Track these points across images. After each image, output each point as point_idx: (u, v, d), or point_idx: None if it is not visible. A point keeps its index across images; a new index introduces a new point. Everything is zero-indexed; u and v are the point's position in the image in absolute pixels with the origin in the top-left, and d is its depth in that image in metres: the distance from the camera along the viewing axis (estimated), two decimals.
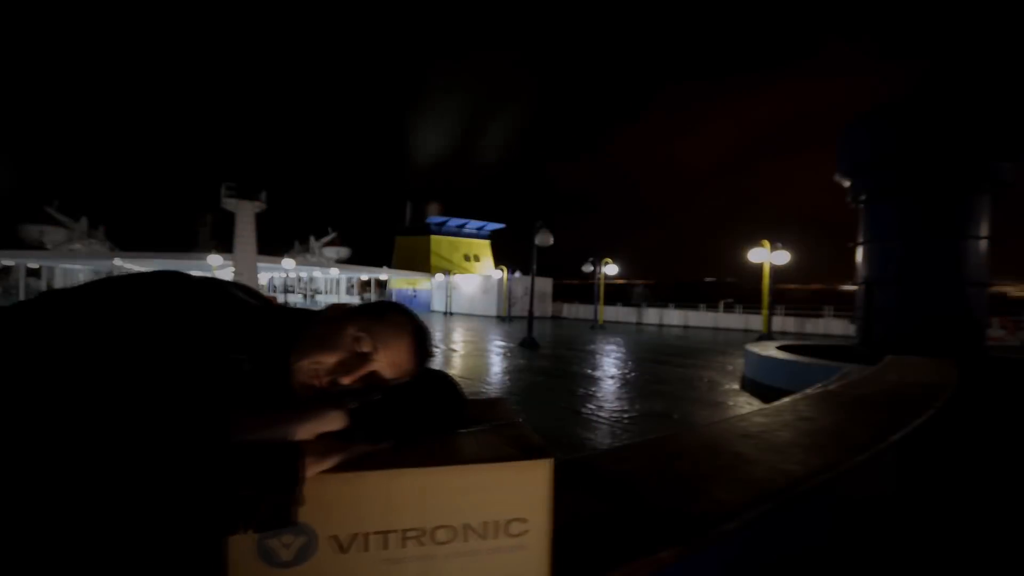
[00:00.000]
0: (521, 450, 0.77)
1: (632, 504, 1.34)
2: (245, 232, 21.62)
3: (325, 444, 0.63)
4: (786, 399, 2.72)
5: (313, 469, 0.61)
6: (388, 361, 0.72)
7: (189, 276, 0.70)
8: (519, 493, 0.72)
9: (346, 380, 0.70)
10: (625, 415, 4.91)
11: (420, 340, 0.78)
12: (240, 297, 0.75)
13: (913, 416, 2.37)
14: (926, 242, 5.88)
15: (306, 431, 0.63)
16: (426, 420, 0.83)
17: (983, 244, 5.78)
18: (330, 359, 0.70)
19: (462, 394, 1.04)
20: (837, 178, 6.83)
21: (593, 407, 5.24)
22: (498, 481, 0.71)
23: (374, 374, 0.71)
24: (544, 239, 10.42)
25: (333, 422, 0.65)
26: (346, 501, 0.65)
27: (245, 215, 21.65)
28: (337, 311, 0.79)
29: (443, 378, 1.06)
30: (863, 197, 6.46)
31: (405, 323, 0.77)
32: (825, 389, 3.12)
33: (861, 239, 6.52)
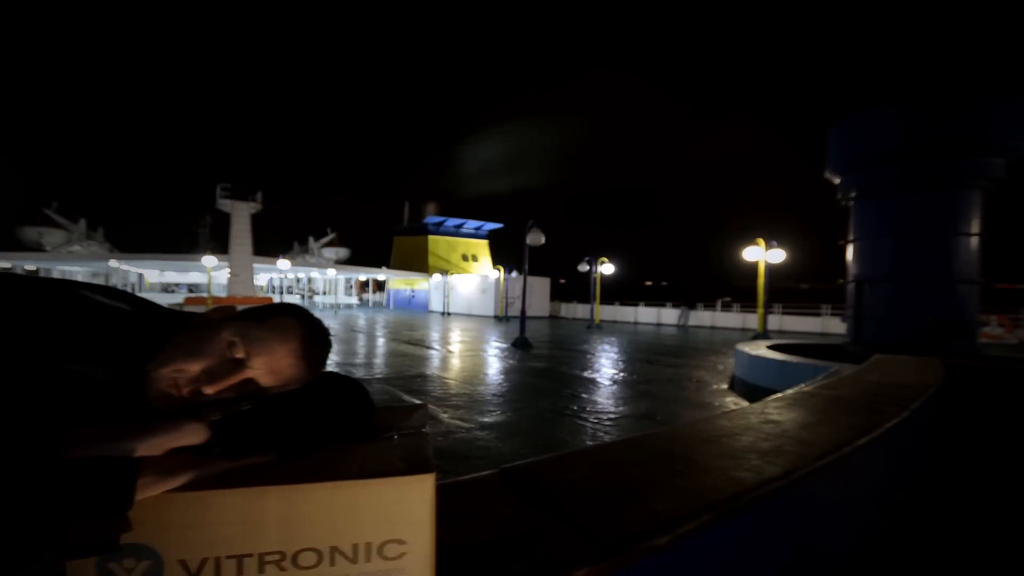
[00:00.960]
0: (403, 464, 0.72)
1: (564, 516, 1.28)
2: (240, 233, 21.60)
3: (176, 460, 0.58)
4: (758, 401, 2.66)
5: (157, 488, 0.56)
6: (266, 368, 0.67)
7: (18, 278, 0.64)
8: (396, 512, 0.66)
9: (210, 390, 0.65)
10: (608, 417, 4.85)
11: (310, 345, 0.73)
12: (94, 300, 0.70)
13: (886, 418, 2.31)
14: (916, 239, 5.83)
15: (153, 446, 0.57)
16: (312, 431, 0.78)
17: (974, 241, 5.72)
18: (194, 366, 0.65)
19: (365, 402, 0.98)
20: (827, 175, 6.78)
21: (576, 408, 5.19)
22: (373, 499, 0.65)
23: (249, 382, 0.66)
24: (535, 238, 10.36)
25: (189, 436, 0.60)
26: (197, 522, 0.59)
27: (240, 216, 21.64)
28: (216, 314, 0.74)
29: (348, 385, 1.01)
30: (853, 194, 6.40)
31: (292, 326, 0.72)
32: (800, 390, 3.06)
33: (851, 237, 6.46)
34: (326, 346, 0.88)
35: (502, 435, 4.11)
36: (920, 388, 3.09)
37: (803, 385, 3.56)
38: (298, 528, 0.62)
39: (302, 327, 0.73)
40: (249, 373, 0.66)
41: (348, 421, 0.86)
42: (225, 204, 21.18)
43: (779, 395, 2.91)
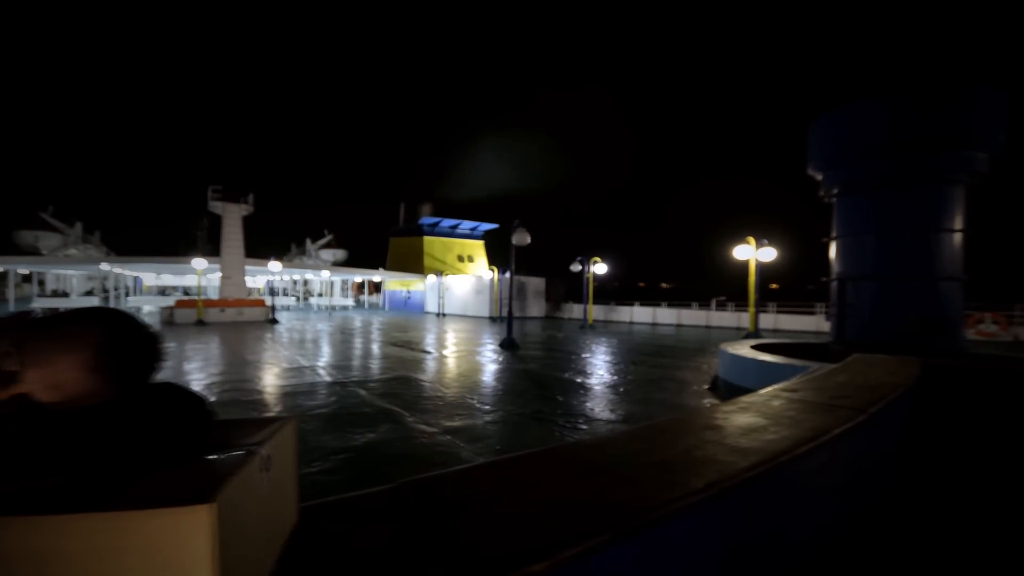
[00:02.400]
0: (181, 492, 0.62)
1: (441, 538, 1.16)
2: (232, 235, 21.48)
3: None
4: (711, 405, 2.56)
5: None
6: (43, 382, 0.61)
7: None
8: (167, 548, 0.57)
9: None
10: (580, 420, 4.73)
11: (110, 355, 0.66)
12: None
13: (838, 422, 2.19)
14: (899, 236, 5.71)
15: None
16: (104, 452, 0.69)
17: (958, 237, 5.60)
18: None
19: (195, 417, 0.89)
20: (810, 172, 6.66)
21: (549, 411, 5.07)
22: (139, 533, 0.56)
23: (23, 398, 0.60)
24: (521, 238, 10.25)
25: None
26: None
27: (232, 218, 21.52)
28: (5, 322, 0.67)
29: (177, 399, 0.90)
30: (836, 191, 6.29)
31: (85, 335, 0.65)
32: (761, 393, 2.94)
33: (834, 234, 6.35)
34: (143, 356, 0.79)
35: (465, 440, 4.00)
36: (885, 390, 2.97)
37: (771, 387, 3.45)
38: (50, 566, 0.54)
39: (102, 335, 0.66)
40: (22, 387, 0.60)
41: (159, 440, 0.76)
42: (216, 206, 21.07)
43: (737, 398, 2.79)
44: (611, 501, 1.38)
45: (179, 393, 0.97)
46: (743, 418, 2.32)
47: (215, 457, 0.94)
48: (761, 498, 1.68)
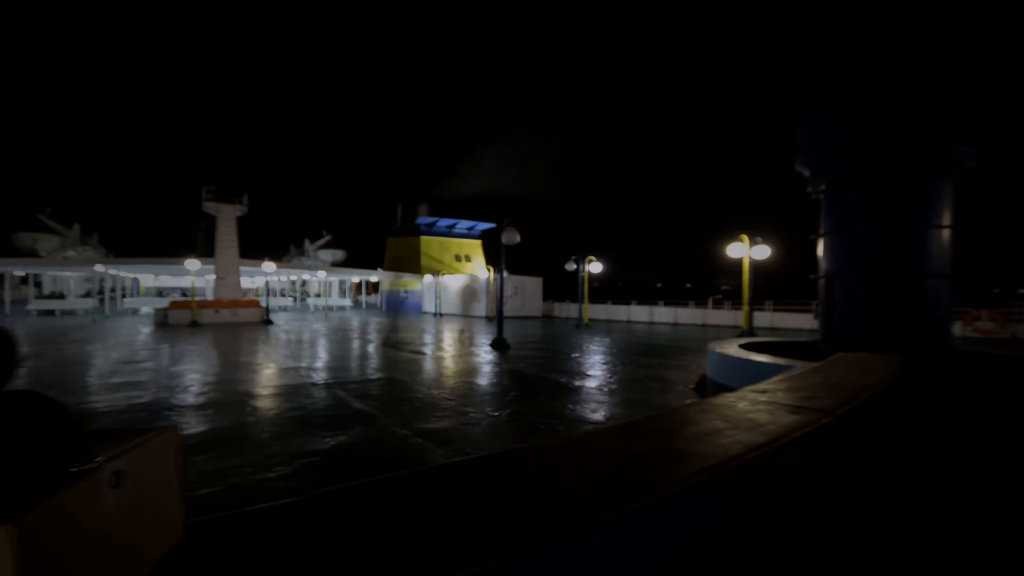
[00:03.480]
0: None
1: (333, 558, 1.08)
2: (226, 235, 21.41)
3: None
4: (680, 407, 2.47)
5: None
6: None
7: None
8: None
9: None
10: (558, 422, 4.64)
11: None
12: None
13: (802, 426, 2.11)
14: (886, 233, 5.61)
15: None
16: None
17: (946, 233, 5.50)
18: None
19: (45, 429, 0.83)
20: (797, 167, 6.57)
21: (527, 412, 4.97)
22: None
23: None
24: (510, 237, 10.16)
25: None
26: None
27: (226, 218, 21.45)
28: None
29: (32, 408, 0.84)
30: (823, 187, 6.19)
31: None
32: (734, 394, 2.86)
33: (822, 231, 6.25)
34: None
35: (437, 443, 3.91)
36: (859, 390, 2.88)
37: (746, 388, 3.36)
38: None
39: None
40: None
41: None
42: (210, 207, 20.99)
43: (703, 400, 2.71)
44: (535, 514, 1.30)
45: (36, 402, 0.88)
46: (703, 421, 2.23)
47: (73, 470, 0.86)
48: (704, 506, 1.59)
